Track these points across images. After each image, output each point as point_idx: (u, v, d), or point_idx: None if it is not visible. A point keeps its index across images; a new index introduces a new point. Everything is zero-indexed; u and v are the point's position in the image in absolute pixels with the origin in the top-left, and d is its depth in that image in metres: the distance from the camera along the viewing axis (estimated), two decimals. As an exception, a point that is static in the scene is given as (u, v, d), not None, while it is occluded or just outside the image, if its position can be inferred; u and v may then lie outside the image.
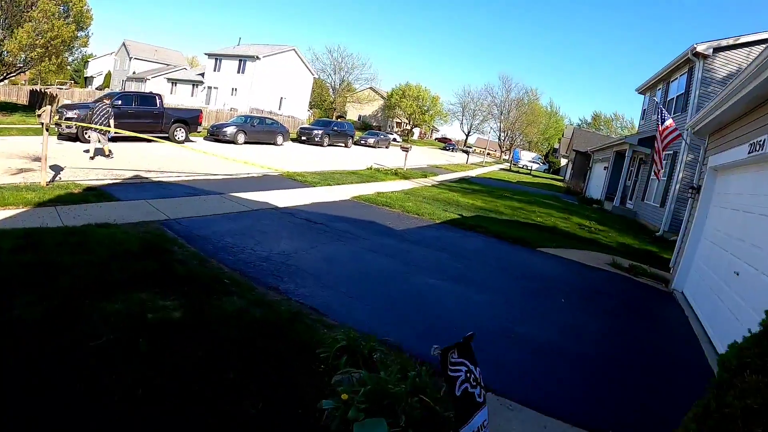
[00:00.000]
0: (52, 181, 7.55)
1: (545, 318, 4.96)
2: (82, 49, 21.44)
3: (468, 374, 1.95)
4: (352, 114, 58.61)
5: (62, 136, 14.13)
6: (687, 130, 10.57)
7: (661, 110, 10.66)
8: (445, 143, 60.47)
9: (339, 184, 11.69)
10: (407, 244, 7.05)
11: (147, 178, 9.14)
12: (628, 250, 9.72)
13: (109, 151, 11.36)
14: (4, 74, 20.60)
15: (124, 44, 52.53)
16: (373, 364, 2.96)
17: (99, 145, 11.02)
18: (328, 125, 25.62)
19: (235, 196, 8.44)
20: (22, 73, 25.27)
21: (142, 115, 15.21)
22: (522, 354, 3.98)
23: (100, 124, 11.44)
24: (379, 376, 2.62)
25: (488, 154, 40.97)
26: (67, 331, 2.97)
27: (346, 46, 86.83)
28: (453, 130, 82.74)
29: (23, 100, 31.44)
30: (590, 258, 8.20)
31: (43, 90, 29.96)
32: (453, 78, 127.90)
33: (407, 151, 16.24)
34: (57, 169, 8.66)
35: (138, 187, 8.24)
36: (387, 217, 8.74)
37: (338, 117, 52.95)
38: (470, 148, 60.68)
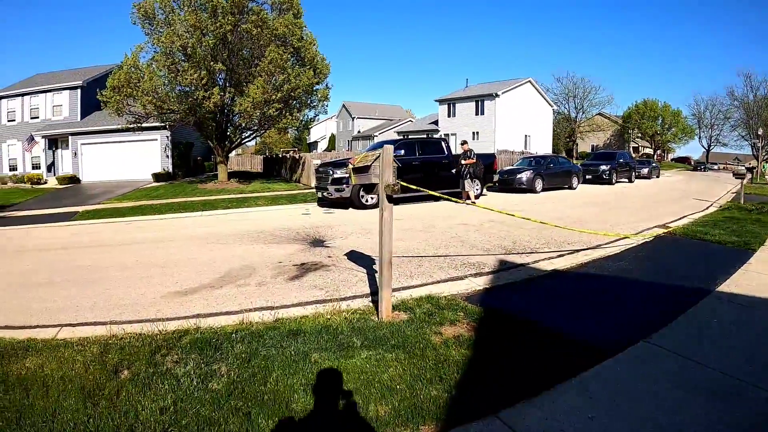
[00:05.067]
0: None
1: None
2: (324, 103, 18.47)
3: None
4: (584, 145, 51.53)
5: (324, 202, 11.87)
6: None
7: None
8: (691, 163, 51.65)
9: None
10: None
11: (520, 263, 5.34)
12: None
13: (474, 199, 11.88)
14: (239, 139, 18.45)
15: (344, 106, 56.65)
16: None
17: (472, 192, 11.98)
18: (612, 158, 21.32)
19: (727, 293, 4.18)
20: (258, 136, 22.59)
21: (429, 167, 11.87)
22: None
23: (472, 173, 11.99)
24: None
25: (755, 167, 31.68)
26: None
27: (574, 72, 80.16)
28: (686, 148, 68.98)
29: (257, 167, 32.52)
30: None
31: (282, 155, 30.38)
32: (677, 86, 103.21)
33: (743, 179, 11.16)
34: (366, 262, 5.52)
35: (545, 293, 4.38)
36: None
37: (567, 151, 47.18)
38: (714, 164, 49.94)
